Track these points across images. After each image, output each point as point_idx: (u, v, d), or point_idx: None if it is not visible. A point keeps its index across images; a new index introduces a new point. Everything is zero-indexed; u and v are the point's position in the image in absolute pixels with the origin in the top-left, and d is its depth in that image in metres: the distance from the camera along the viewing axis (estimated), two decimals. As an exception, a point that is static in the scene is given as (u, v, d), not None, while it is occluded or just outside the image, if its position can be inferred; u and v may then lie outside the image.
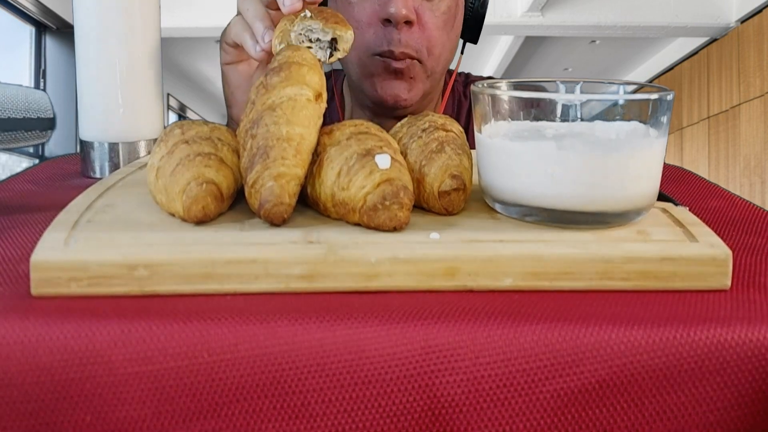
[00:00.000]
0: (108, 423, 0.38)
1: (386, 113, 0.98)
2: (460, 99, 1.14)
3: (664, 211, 0.52)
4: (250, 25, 0.70)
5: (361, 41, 0.93)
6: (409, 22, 0.90)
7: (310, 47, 0.61)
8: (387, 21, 0.90)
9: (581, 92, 0.53)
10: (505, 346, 0.39)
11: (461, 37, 1.02)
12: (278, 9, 0.65)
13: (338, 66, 1.08)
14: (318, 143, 0.51)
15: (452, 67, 1.08)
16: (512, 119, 0.49)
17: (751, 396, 0.38)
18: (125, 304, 0.41)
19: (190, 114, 9.25)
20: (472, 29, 1.02)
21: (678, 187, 0.73)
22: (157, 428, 0.38)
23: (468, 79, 1.17)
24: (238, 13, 0.73)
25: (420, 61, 0.93)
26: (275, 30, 0.63)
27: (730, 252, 0.44)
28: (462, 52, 1.05)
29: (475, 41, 1.04)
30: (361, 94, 1.00)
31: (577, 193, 0.47)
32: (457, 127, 0.56)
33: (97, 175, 0.77)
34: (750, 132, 4.78)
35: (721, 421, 0.39)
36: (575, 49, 6.45)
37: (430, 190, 0.51)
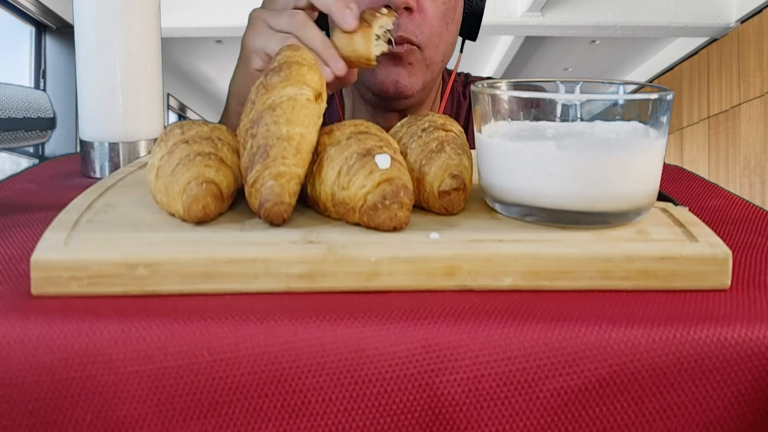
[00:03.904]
0: (108, 422, 0.38)
1: (387, 105, 0.98)
2: (460, 99, 1.14)
3: (664, 210, 0.52)
4: (317, 51, 0.73)
5: None
6: (409, 9, 0.90)
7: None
8: (387, 6, 0.90)
9: (581, 92, 0.53)
10: (505, 345, 0.39)
11: (460, 34, 1.01)
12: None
13: None
14: (318, 143, 0.51)
15: (452, 66, 1.07)
16: (512, 119, 0.49)
17: (751, 395, 0.38)
18: (125, 303, 0.41)
19: (190, 114, 9.26)
20: (470, 26, 1.01)
21: (678, 187, 0.73)
22: (158, 427, 0.38)
23: (467, 79, 1.17)
24: (258, 25, 0.76)
25: (419, 48, 0.93)
26: (361, 36, 0.72)
27: (729, 251, 0.44)
28: (461, 51, 1.05)
29: (474, 38, 1.03)
30: (361, 86, 0.99)
31: (577, 193, 0.47)
32: (457, 127, 0.56)
33: (97, 175, 0.77)
34: (750, 132, 4.78)
35: (721, 419, 0.39)
36: (575, 49, 6.46)
37: (430, 189, 0.51)
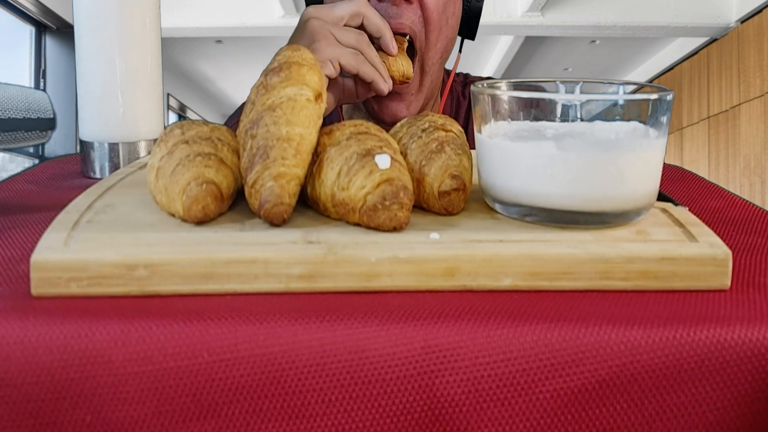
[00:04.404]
0: (108, 422, 0.38)
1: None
2: (459, 99, 1.13)
3: (664, 211, 0.52)
4: (377, 67, 0.85)
5: None
6: (408, 0, 0.90)
7: None
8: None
9: (581, 92, 0.53)
10: (504, 345, 0.39)
11: (459, 33, 1.01)
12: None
13: None
14: (318, 143, 0.51)
15: (450, 66, 1.07)
16: (512, 119, 0.49)
17: (751, 395, 0.38)
18: (125, 304, 0.41)
19: (190, 114, 9.26)
20: (469, 24, 1.01)
21: (678, 187, 0.73)
22: (157, 428, 0.38)
23: (467, 79, 1.16)
24: (329, 37, 0.83)
25: (415, 52, 0.93)
26: (403, 58, 0.88)
27: (729, 252, 0.44)
28: (460, 51, 1.05)
29: (472, 37, 1.03)
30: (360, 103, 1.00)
31: (576, 193, 0.47)
32: (457, 127, 0.56)
33: (97, 176, 0.77)
34: (750, 132, 4.78)
35: (721, 420, 0.39)
36: (575, 49, 6.46)
37: (430, 190, 0.51)
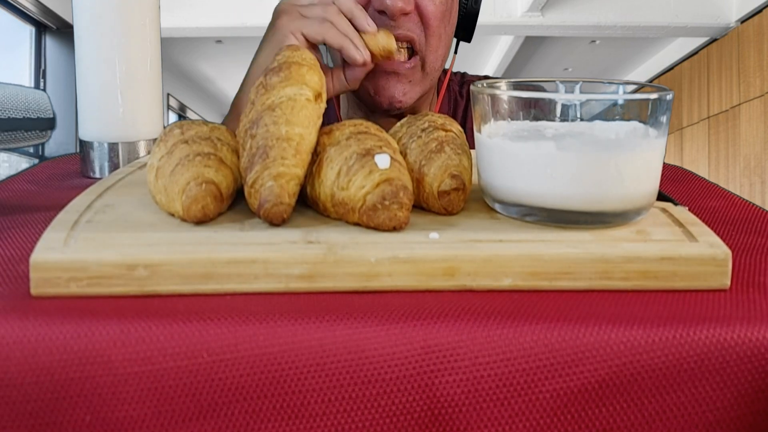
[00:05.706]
0: (107, 423, 0.38)
1: (380, 114, 0.98)
2: (456, 98, 1.14)
3: (664, 210, 0.52)
4: (349, 37, 0.81)
5: None
6: (406, 14, 0.90)
7: None
8: (382, 12, 0.90)
9: (581, 92, 0.53)
10: (504, 345, 0.39)
11: (455, 35, 1.01)
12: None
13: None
14: (317, 143, 0.51)
15: (446, 66, 1.07)
16: (512, 119, 0.49)
17: (751, 395, 0.38)
18: (125, 304, 0.41)
19: (190, 114, 9.26)
20: (466, 27, 1.01)
21: (678, 187, 0.73)
22: (157, 428, 0.38)
23: (464, 79, 1.17)
24: (293, 13, 0.83)
25: (416, 53, 0.93)
26: (383, 33, 0.83)
27: (729, 252, 0.44)
28: (456, 52, 1.05)
29: (468, 40, 1.03)
30: (355, 91, 0.99)
31: (576, 193, 0.47)
32: (456, 127, 0.56)
33: (97, 175, 0.77)
34: (750, 132, 4.78)
35: (721, 420, 0.39)
36: (575, 49, 6.46)
37: (429, 189, 0.51)
